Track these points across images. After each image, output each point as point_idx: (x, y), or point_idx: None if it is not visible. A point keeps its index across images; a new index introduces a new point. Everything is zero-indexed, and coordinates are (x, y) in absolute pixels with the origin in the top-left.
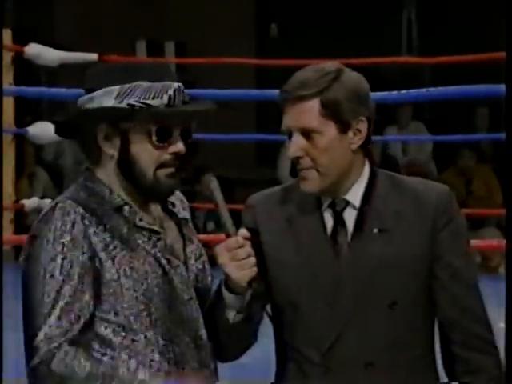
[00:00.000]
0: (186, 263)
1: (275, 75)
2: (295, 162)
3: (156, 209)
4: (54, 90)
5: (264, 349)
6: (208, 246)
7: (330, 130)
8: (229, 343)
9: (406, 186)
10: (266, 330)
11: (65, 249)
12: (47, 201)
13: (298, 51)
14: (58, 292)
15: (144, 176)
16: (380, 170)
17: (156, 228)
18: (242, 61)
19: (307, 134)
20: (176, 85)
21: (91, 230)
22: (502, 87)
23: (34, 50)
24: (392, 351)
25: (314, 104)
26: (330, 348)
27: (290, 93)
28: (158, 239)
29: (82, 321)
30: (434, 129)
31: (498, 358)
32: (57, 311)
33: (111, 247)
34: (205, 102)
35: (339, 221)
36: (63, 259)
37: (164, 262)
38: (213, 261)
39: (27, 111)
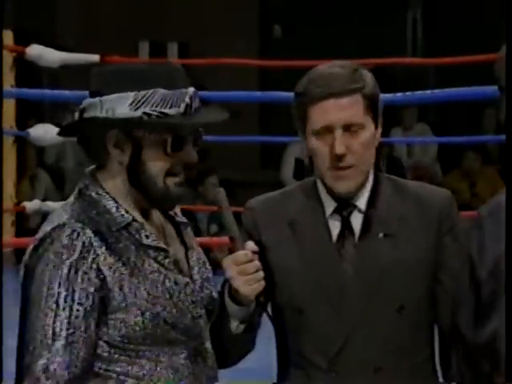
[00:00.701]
0: (190, 275)
1: (279, 76)
2: (336, 160)
3: (157, 217)
4: (56, 92)
5: (265, 352)
6: (211, 249)
7: (370, 124)
8: (230, 352)
9: (409, 190)
10: (266, 333)
11: (71, 273)
12: (49, 203)
13: (301, 52)
14: (61, 322)
15: (154, 184)
16: (382, 173)
17: (162, 245)
18: (245, 62)
19: (350, 129)
20: (191, 91)
21: (100, 254)
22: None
23: (35, 51)
24: (399, 355)
25: (358, 98)
26: (338, 353)
27: (332, 88)
28: (165, 257)
29: (84, 353)
30: (439, 130)
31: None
32: (59, 342)
33: (118, 273)
34: (217, 110)
35: (346, 225)
36: (69, 285)
37: (170, 284)
38: (215, 264)
39: (29, 113)
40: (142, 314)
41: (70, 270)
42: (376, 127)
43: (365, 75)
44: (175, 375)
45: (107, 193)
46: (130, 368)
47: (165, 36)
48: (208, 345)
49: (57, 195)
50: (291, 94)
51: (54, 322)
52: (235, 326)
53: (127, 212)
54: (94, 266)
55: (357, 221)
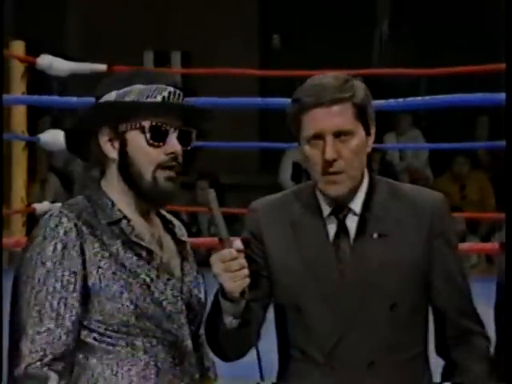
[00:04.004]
0: (182, 279)
1: (277, 84)
2: (326, 166)
3: (157, 226)
4: (64, 98)
5: (265, 349)
6: (211, 249)
7: (360, 132)
8: (228, 346)
9: (404, 192)
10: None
11: (55, 254)
12: (58, 205)
13: (300, 61)
14: (45, 300)
15: (142, 177)
16: (378, 176)
17: (150, 247)
18: (246, 71)
19: (341, 136)
20: (172, 89)
21: (83, 239)
22: (496, 96)
23: (45, 60)
24: (393, 351)
25: (348, 107)
26: (334, 348)
27: (322, 96)
28: (151, 258)
29: (69, 326)
30: (432, 136)
31: (488, 349)
32: (44, 322)
33: (99, 257)
34: (205, 108)
35: (342, 227)
36: (54, 264)
37: (150, 277)
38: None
39: (40, 118)
40: (114, 300)
41: (53, 252)
42: (367, 134)
43: (356, 85)
44: (151, 370)
45: (107, 195)
46: (106, 358)
47: (168, 46)
48: (188, 343)
49: (66, 198)
50: (290, 101)
51: (37, 303)
52: (229, 321)
53: (120, 211)
54: (77, 248)
55: (352, 223)
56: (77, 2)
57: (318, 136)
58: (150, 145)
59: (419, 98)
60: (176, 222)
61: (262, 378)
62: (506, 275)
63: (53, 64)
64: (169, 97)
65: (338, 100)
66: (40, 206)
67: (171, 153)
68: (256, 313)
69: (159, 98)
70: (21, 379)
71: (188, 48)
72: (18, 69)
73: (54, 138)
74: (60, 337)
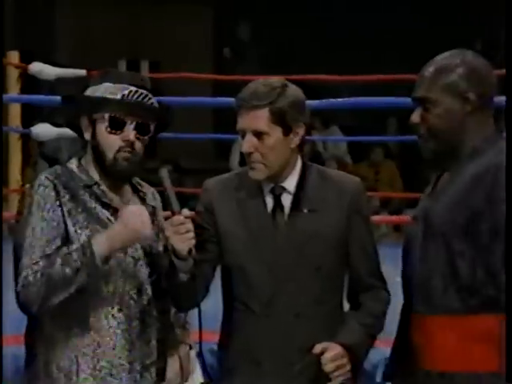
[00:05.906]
0: None
1: (227, 87)
2: (247, 156)
3: (127, 193)
4: (52, 97)
5: (213, 302)
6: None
7: (277, 132)
8: (181, 296)
9: (330, 177)
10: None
11: (40, 206)
12: None
13: (245, 69)
14: (37, 239)
15: (106, 157)
16: (309, 163)
17: (116, 205)
18: (202, 76)
19: (258, 135)
20: (133, 88)
21: (61, 196)
22: (403, 100)
23: (36, 67)
24: (315, 304)
25: (265, 112)
26: (268, 301)
27: (246, 102)
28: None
29: (58, 243)
30: (350, 131)
31: (387, 298)
32: (35, 255)
33: (74, 212)
34: (163, 106)
35: (277, 203)
36: (40, 214)
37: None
38: None
39: (33, 115)
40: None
41: (39, 204)
42: (287, 134)
43: (283, 92)
44: (115, 307)
45: (83, 167)
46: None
47: (138, 56)
48: (147, 287)
49: None
50: (232, 100)
51: (30, 233)
52: (181, 275)
53: (93, 179)
54: (57, 202)
55: (287, 200)
56: (64, 19)
57: (242, 132)
58: (109, 132)
59: (339, 99)
60: (148, 190)
61: (200, 328)
62: (506, 275)
63: (42, 70)
64: (128, 95)
65: (255, 106)
66: None
67: (126, 140)
68: (206, 271)
69: (119, 96)
70: (19, 294)
71: (155, 58)
72: (13, 74)
73: (43, 130)
74: (48, 245)
